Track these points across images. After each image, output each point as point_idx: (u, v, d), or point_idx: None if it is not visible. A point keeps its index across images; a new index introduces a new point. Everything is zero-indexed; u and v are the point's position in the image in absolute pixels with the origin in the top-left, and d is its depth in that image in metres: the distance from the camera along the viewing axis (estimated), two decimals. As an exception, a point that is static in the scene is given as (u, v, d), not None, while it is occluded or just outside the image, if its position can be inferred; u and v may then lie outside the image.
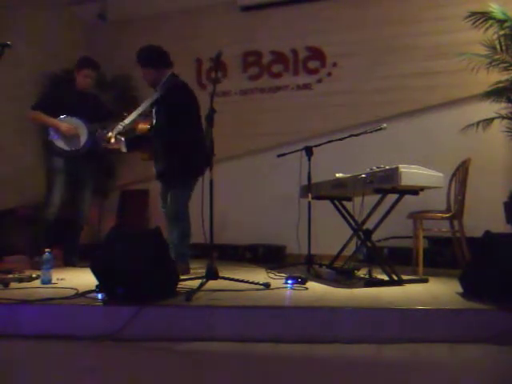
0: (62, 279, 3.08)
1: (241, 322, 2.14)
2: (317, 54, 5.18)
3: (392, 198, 2.99)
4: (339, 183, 3.27)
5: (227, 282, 2.73)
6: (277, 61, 5.35)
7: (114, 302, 2.30)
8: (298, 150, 3.87)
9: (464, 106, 4.51)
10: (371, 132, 3.48)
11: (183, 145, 3.37)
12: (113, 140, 3.32)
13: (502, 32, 3.79)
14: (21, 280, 2.96)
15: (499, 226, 3.84)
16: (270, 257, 4.77)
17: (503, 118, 3.93)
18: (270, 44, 5.35)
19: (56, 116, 3.88)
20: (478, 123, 3.94)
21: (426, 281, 3.07)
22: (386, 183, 2.79)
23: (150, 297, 2.27)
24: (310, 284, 2.89)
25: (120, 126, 3.36)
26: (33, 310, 2.27)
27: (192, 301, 2.30)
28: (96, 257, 2.53)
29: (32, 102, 3.96)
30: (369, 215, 3.13)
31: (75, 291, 2.52)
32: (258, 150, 5.23)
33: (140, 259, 2.38)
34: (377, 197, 3.06)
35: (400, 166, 2.69)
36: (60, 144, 3.89)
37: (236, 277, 2.79)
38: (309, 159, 3.70)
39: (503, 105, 3.94)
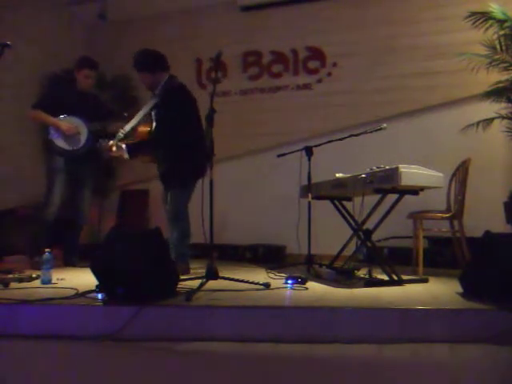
0: (62, 279, 3.08)
1: (241, 322, 2.14)
2: (317, 54, 5.18)
3: (392, 197, 2.99)
4: (339, 183, 3.27)
5: (227, 281, 2.72)
6: (277, 61, 5.35)
7: (114, 302, 2.30)
8: (298, 150, 3.87)
9: (464, 106, 4.51)
10: (371, 132, 3.48)
11: (183, 146, 3.37)
12: (114, 148, 3.31)
13: (501, 32, 3.79)
14: (21, 280, 2.95)
15: (499, 225, 3.84)
16: (270, 257, 4.77)
17: (503, 117, 3.93)
18: (270, 44, 5.35)
19: (56, 115, 3.88)
20: (478, 123, 3.95)
21: (426, 281, 3.07)
22: (385, 183, 2.79)
23: (150, 297, 2.27)
24: (310, 284, 2.89)
25: (121, 134, 3.36)
26: (33, 310, 2.26)
27: (192, 301, 2.30)
28: (96, 257, 2.53)
29: (32, 101, 3.96)
30: (369, 215, 3.13)
31: (75, 291, 2.52)
32: (257, 150, 5.23)
33: (140, 259, 2.38)
34: (377, 197, 3.06)
35: (400, 166, 2.69)
36: (60, 143, 3.89)
37: (236, 277, 2.79)
38: (309, 159, 3.70)
39: (503, 105, 3.94)
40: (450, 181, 3.73)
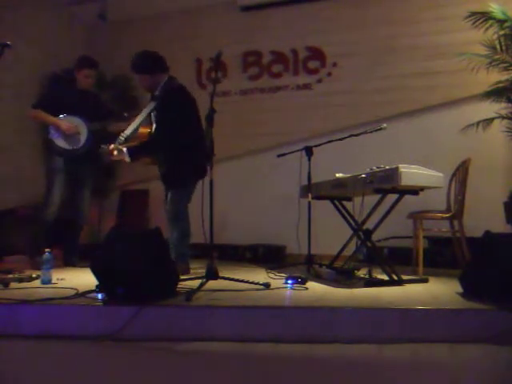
0: (62, 279, 3.08)
1: (241, 322, 2.14)
2: (317, 54, 5.18)
3: (392, 197, 2.99)
4: (339, 183, 3.27)
5: (227, 281, 2.73)
6: (277, 61, 5.35)
7: (114, 302, 2.30)
8: (298, 150, 3.87)
9: (464, 106, 4.51)
10: (371, 132, 3.48)
11: (183, 148, 3.37)
12: (115, 152, 3.31)
13: (502, 32, 3.79)
14: (21, 280, 2.96)
15: (499, 225, 3.84)
16: (270, 257, 4.77)
17: (503, 117, 3.92)
18: (270, 44, 5.35)
19: (56, 115, 3.88)
20: (478, 123, 3.94)
21: (426, 281, 3.07)
22: (385, 183, 2.79)
23: (150, 297, 2.27)
24: (310, 284, 2.89)
25: (121, 138, 3.36)
26: (33, 310, 2.27)
27: (192, 301, 2.30)
28: (96, 257, 2.53)
29: (32, 101, 3.96)
30: (369, 215, 3.13)
31: (75, 291, 2.52)
32: (257, 150, 5.23)
33: (140, 259, 2.38)
34: (377, 197, 3.06)
35: (400, 165, 2.69)
36: (60, 143, 3.89)
37: (236, 277, 2.79)
38: (309, 159, 3.70)
39: (503, 105, 3.94)
40: (450, 181, 3.73)
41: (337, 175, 3.36)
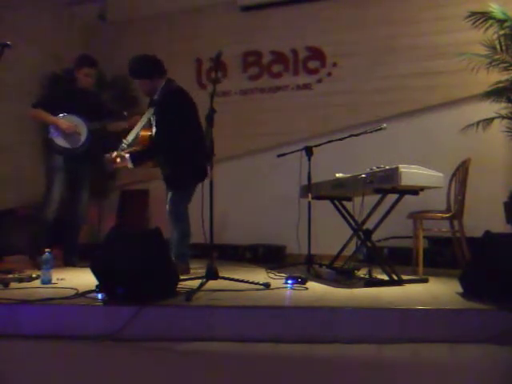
0: (62, 279, 3.08)
1: (241, 322, 2.14)
2: (317, 54, 5.18)
3: (392, 197, 2.99)
4: (339, 183, 3.27)
5: (227, 281, 2.72)
6: (277, 61, 5.35)
7: (114, 302, 2.30)
8: (298, 150, 3.87)
9: (464, 106, 4.51)
10: (371, 132, 3.48)
11: (184, 150, 3.36)
12: (118, 159, 3.32)
13: (502, 32, 3.79)
14: (21, 280, 2.96)
15: (499, 225, 3.84)
16: (270, 257, 4.77)
17: (503, 117, 3.93)
18: (270, 44, 5.35)
19: (56, 114, 3.88)
20: (477, 123, 3.95)
21: (426, 281, 3.07)
22: (386, 183, 2.79)
23: (150, 297, 2.27)
24: (310, 284, 2.89)
25: (124, 144, 3.37)
26: (33, 310, 2.27)
27: (192, 301, 2.30)
28: (96, 257, 2.53)
29: (32, 101, 3.97)
30: (369, 215, 3.13)
31: (75, 291, 2.52)
32: (257, 150, 5.23)
33: (140, 259, 2.38)
34: (377, 197, 3.06)
35: (400, 166, 2.69)
36: (60, 142, 3.89)
37: (236, 277, 2.79)
38: (309, 159, 3.70)
39: (503, 105, 3.94)
40: (450, 181, 3.73)
41: (337, 175, 3.36)
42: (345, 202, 3.68)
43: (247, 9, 5.40)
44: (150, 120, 3.49)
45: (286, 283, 2.87)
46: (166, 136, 3.34)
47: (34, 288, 2.78)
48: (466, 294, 2.48)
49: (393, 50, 4.85)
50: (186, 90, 3.46)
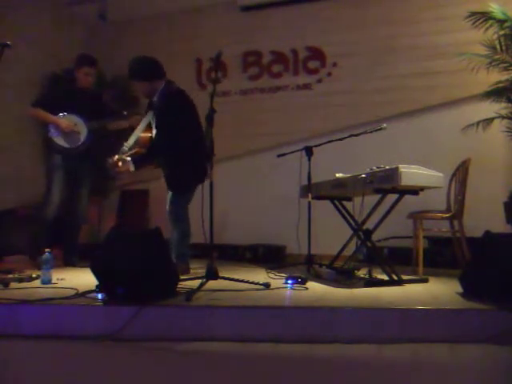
0: (62, 279, 3.08)
1: (241, 322, 2.14)
2: (317, 54, 5.18)
3: (392, 198, 2.99)
4: (339, 183, 3.27)
5: (227, 281, 2.72)
6: (277, 61, 5.35)
7: (114, 302, 2.30)
8: (298, 150, 3.87)
9: (464, 106, 4.51)
10: (371, 132, 3.48)
11: (184, 151, 3.36)
12: (120, 163, 3.33)
13: (502, 32, 3.79)
14: (21, 280, 2.95)
15: (499, 225, 3.84)
16: (270, 257, 4.77)
17: (503, 117, 3.93)
18: (270, 44, 5.35)
19: (56, 114, 3.88)
20: (478, 123, 3.95)
21: (426, 281, 3.07)
22: (386, 183, 2.79)
23: (150, 297, 2.27)
24: (310, 284, 2.89)
25: (125, 148, 3.37)
26: (33, 310, 2.27)
27: (192, 301, 2.30)
28: (96, 257, 2.53)
29: (32, 100, 3.96)
30: (369, 215, 3.13)
31: (75, 291, 2.52)
32: (257, 150, 5.23)
33: (140, 259, 2.38)
34: (377, 197, 3.06)
35: (400, 166, 2.69)
36: (59, 141, 3.89)
37: (236, 277, 2.79)
38: (309, 159, 3.70)
39: (503, 105, 3.94)
40: (450, 181, 3.73)
41: (337, 175, 3.36)
42: (345, 202, 3.68)
43: (247, 9, 5.41)
44: (149, 122, 3.49)
45: (286, 283, 2.87)
46: (166, 138, 3.34)
47: (34, 288, 2.78)
48: (466, 293, 2.48)
49: (393, 50, 4.85)
50: (185, 92, 3.46)
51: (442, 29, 4.63)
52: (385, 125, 3.42)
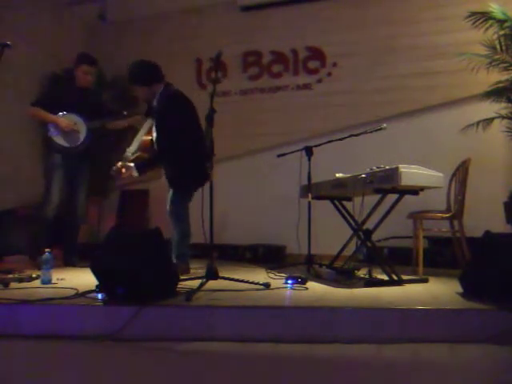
0: (62, 279, 3.08)
1: (241, 322, 2.14)
2: (317, 54, 5.18)
3: (392, 197, 2.99)
4: (339, 183, 3.27)
5: (227, 281, 2.72)
6: (277, 61, 5.35)
7: (114, 302, 2.30)
8: (298, 150, 3.87)
9: (464, 106, 4.51)
10: (371, 132, 3.48)
11: (185, 153, 3.36)
12: (124, 170, 3.33)
13: (502, 32, 3.79)
14: (21, 280, 2.96)
15: (499, 225, 3.84)
16: (270, 257, 4.77)
17: (503, 117, 3.92)
18: (270, 44, 5.35)
19: (55, 113, 3.88)
20: (477, 123, 3.95)
21: (426, 281, 3.07)
22: (386, 183, 2.79)
23: (150, 297, 2.27)
24: (310, 284, 2.89)
25: (128, 154, 3.38)
26: (33, 310, 2.27)
27: (192, 301, 2.30)
28: (96, 257, 2.53)
29: (31, 100, 3.96)
30: (369, 215, 3.13)
31: (75, 291, 2.52)
32: (257, 150, 5.23)
33: (140, 259, 2.38)
34: (377, 197, 3.06)
35: (400, 166, 2.69)
36: (59, 140, 3.90)
37: (236, 277, 2.79)
38: (309, 159, 3.70)
39: (503, 105, 3.94)
40: (450, 181, 3.73)
41: (337, 175, 3.36)
42: (345, 202, 3.68)
43: (247, 9, 5.41)
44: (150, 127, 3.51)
45: (286, 283, 2.88)
46: (166, 140, 3.35)
47: (34, 288, 2.78)
48: (466, 293, 2.48)
49: (393, 50, 4.85)
50: (184, 94, 3.46)
51: (442, 29, 4.63)
52: (385, 125, 3.42)
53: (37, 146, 4.80)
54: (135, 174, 3.33)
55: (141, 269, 2.34)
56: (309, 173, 3.66)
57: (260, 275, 3.29)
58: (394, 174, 2.70)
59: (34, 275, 3.05)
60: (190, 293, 2.36)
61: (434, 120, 4.67)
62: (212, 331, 2.13)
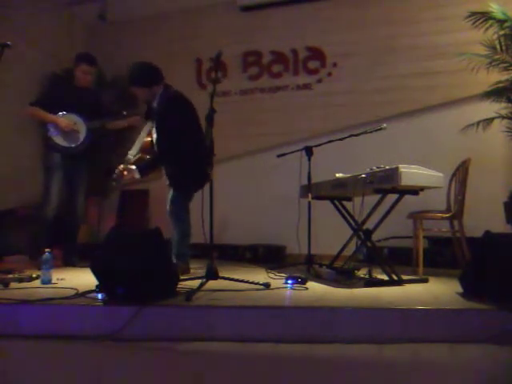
0: (62, 279, 3.08)
1: (241, 322, 2.14)
2: (317, 54, 5.18)
3: (392, 197, 2.99)
4: (339, 183, 3.27)
5: (227, 281, 2.72)
6: (277, 61, 5.35)
7: (114, 302, 2.30)
8: (298, 150, 3.87)
9: (464, 106, 4.51)
10: (371, 132, 3.48)
11: (185, 155, 3.36)
12: (126, 172, 3.34)
13: (502, 32, 3.79)
14: (21, 280, 2.95)
15: (499, 225, 3.84)
16: (270, 257, 4.77)
17: (503, 117, 3.93)
18: (270, 44, 5.35)
19: (55, 113, 3.88)
20: (478, 123, 3.95)
21: (426, 281, 3.07)
22: (386, 183, 2.79)
23: (150, 297, 2.27)
24: (310, 284, 2.89)
25: (130, 156, 3.39)
26: (33, 310, 2.26)
27: (192, 301, 2.30)
28: (96, 257, 2.53)
29: (31, 100, 3.96)
30: (369, 215, 3.13)
31: (75, 291, 2.52)
32: (258, 150, 5.23)
33: (140, 259, 2.38)
34: (377, 197, 3.06)
35: (400, 166, 2.69)
36: (58, 140, 3.90)
37: (236, 277, 2.79)
38: (309, 159, 3.70)
39: (503, 105, 3.94)
40: (450, 181, 3.73)
41: (337, 175, 3.36)
42: (345, 202, 3.68)
43: (247, 9, 5.40)
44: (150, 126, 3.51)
45: (286, 283, 2.87)
46: (167, 141, 3.36)
47: (34, 288, 2.78)
48: (466, 293, 2.48)
49: (393, 50, 4.85)
50: (184, 95, 3.46)
51: (442, 29, 4.63)
52: (385, 125, 3.42)
53: (37, 146, 4.80)
54: (137, 176, 3.35)
55: (141, 269, 2.34)
56: (309, 173, 3.66)
57: (260, 275, 3.29)
58: (393, 174, 2.70)
59: (34, 275, 3.05)
60: (190, 293, 2.36)
61: (434, 120, 4.67)
62: (212, 331, 2.13)
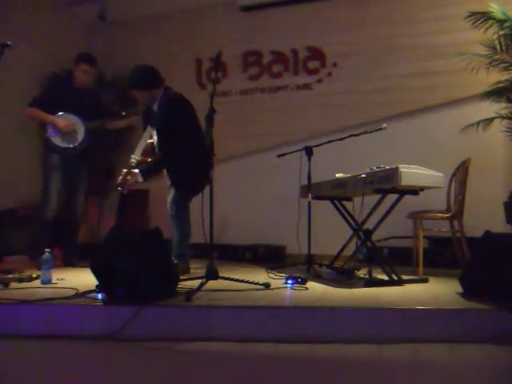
0: (62, 279, 3.08)
1: (241, 322, 2.14)
2: (317, 54, 5.18)
3: (392, 197, 2.99)
4: (339, 183, 3.27)
5: (227, 281, 2.72)
6: (277, 61, 5.35)
7: (114, 302, 2.30)
8: (298, 150, 3.87)
9: (464, 106, 4.51)
10: (371, 132, 3.48)
11: (186, 156, 3.36)
12: (129, 177, 3.34)
13: (501, 32, 3.79)
14: (21, 280, 2.96)
15: (499, 226, 3.84)
16: (270, 257, 4.77)
17: (503, 117, 3.93)
18: (270, 44, 5.35)
19: (54, 114, 3.88)
20: (478, 123, 3.95)
21: (426, 281, 3.07)
22: (386, 183, 2.79)
23: (150, 297, 2.27)
24: (310, 284, 2.89)
25: (133, 160, 3.39)
26: (33, 310, 2.27)
27: (192, 301, 2.30)
28: (96, 257, 2.53)
29: (30, 101, 3.96)
30: (369, 215, 3.13)
31: (75, 291, 2.52)
32: (258, 150, 5.23)
33: (140, 259, 2.38)
34: (377, 197, 3.06)
35: (400, 166, 2.69)
36: (57, 141, 3.89)
37: (236, 277, 2.79)
38: (309, 159, 3.70)
39: (503, 105, 3.94)
40: (450, 181, 3.73)
41: (337, 175, 3.36)
42: (345, 202, 3.68)
43: (247, 9, 5.41)
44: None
45: (286, 283, 2.88)
46: (167, 143, 3.37)
47: (34, 288, 2.78)
48: (466, 293, 2.48)
49: (393, 50, 4.85)
50: (184, 96, 3.46)
51: (442, 29, 4.63)
52: (385, 125, 3.42)
53: (37, 146, 4.80)
54: (140, 179, 3.35)
55: (141, 269, 2.34)
56: (309, 173, 3.66)
57: (260, 275, 3.29)
58: (393, 174, 2.70)
59: (34, 275, 3.05)
60: (190, 293, 2.36)
61: (434, 120, 4.67)
62: (212, 331, 2.13)
